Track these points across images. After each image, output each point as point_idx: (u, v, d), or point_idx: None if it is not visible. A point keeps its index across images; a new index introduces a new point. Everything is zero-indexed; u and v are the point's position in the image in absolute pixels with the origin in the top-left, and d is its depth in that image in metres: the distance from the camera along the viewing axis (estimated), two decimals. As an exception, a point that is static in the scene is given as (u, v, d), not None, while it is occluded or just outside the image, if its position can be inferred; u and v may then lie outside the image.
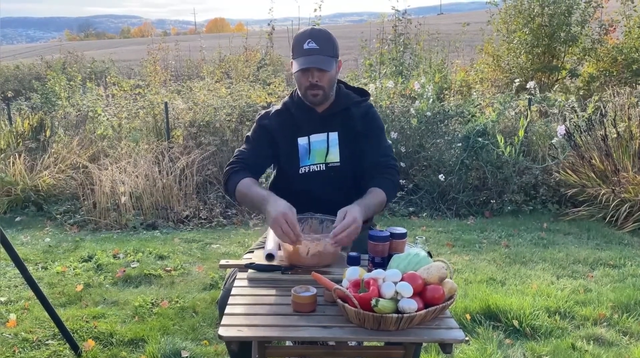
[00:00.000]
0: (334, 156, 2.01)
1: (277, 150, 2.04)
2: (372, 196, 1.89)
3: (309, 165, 2.01)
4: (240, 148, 2.07)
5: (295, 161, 2.01)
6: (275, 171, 2.15)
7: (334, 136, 2.01)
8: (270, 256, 1.73)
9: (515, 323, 2.83)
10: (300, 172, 2.01)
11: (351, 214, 1.72)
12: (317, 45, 1.91)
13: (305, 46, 1.91)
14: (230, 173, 1.97)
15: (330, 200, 1.91)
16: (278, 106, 2.09)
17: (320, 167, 2.01)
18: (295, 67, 1.94)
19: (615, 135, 5.12)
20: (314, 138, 2.01)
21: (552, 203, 5.18)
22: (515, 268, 3.71)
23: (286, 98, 2.11)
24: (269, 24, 9.06)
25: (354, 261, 1.71)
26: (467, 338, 2.70)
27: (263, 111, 2.14)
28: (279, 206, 1.71)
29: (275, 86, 6.84)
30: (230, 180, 1.95)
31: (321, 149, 2.01)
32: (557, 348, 2.62)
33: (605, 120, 5.31)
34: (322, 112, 2.03)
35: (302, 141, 2.01)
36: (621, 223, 4.57)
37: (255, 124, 2.10)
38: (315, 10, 8.55)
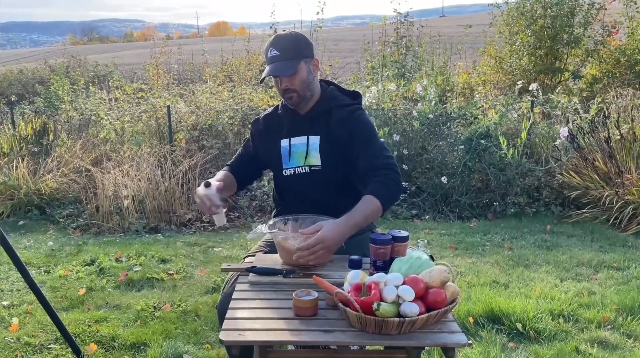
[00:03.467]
0: (315, 160, 2.01)
1: (259, 152, 2.15)
2: (362, 206, 1.80)
3: (294, 167, 2.04)
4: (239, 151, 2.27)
5: (279, 163, 2.06)
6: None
7: (314, 139, 2.01)
8: (207, 184, 1.91)
9: (519, 326, 2.81)
10: (284, 174, 2.05)
11: (321, 235, 1.70)
12: (277, 52, 1.94)
13: (269, 54, 1.97)
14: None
15: (318, 201, 1.98)
16: (270, 109, 2.19)
17: (304, 169, 2.03)
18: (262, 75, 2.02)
19: (618, 137, 5.10)
20: (295, 140, 2.04)
21: (555, 205, 5.17)
22: (519, 271, 3.70)
23: (281, 101, 2.17)
24: (271, 27, 9.05)
25: (355, 265, 1.70)
26: (470, 342, 2.69)
27: (258, 115, 2.23)
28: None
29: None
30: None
31: (301, 151, 2.03)
32: (561, 351, 2.60)
33: (608, 122, 5.30)
34: (304, 115, 2.06)
35: (284, 142, 2.06)
36: (625, 225, 4.55)
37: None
38: (317, 13, 8.56)
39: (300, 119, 2.05)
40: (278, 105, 2.16)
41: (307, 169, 2.02)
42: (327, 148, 2.00)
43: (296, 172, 2.03)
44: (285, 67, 1.94)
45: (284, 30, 2.08)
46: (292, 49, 1.95)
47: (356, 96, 2.10)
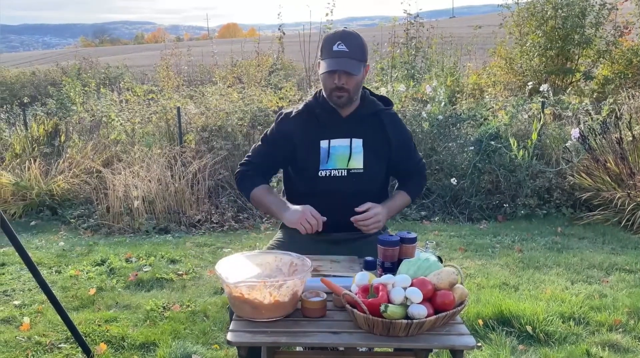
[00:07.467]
0: (357, 163, 1.99)
1: (294, 152, 2.02)
2: (397, 198, 2.08)
3: (330, 169, 1.98)
4: (256, 147, 2.10)
5: (316, 163, 1.99)
6: (289, 172, 2.11)
7: (358, 142, 1.99)
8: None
9: (529, 328, 2.79)
10: (320, 175, 1.99)
11: (374, 209, 1.90)
12: (346, 47, 1.88)
13: (335, 48, 1.88)
14: (245, 175, 2.06)
15: (350, 205, 1.91)
16: (299, 107, 2.07)
17: (341, 172, 1.98)
18: (322, 68, 1.91)
19: (630, 138, 5.05)
20: (335, 142, 1.99)
21: (566, 207, 5.12)
22: (529, 273, 3.67)
23: (309, 99, 2.07)
24: (279, 29, 9.09)
25: (371, 266, 1.71)
26: (479, 344, 2.67)
27: (283, 112, 2.10)
28: (297, 209, 1.88)
29: (286, 91, 6.86)
30: (245, 182, 2.06)
31: (343, 154, 1.98)
32: (572, 354, 2.58)
33: (620, 123, 5.25)
34: (346, 117, 2.01)
35: (323, 143, 1.99)
36: (637, 227, 4.50)
37: (274, 125, 2.09)
38: (326, 14, 8.56)
39: (342, 121, 2.00)
40: (307, 103, 2.05)
41: (345, 173, 1.99)
42: (371, 150, 1.99)
43: (332, 174, 1.99)
44: (355, 65, 1.88)
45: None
46: (360, 50, 1.91)
47: (387, 102, 2.09)
